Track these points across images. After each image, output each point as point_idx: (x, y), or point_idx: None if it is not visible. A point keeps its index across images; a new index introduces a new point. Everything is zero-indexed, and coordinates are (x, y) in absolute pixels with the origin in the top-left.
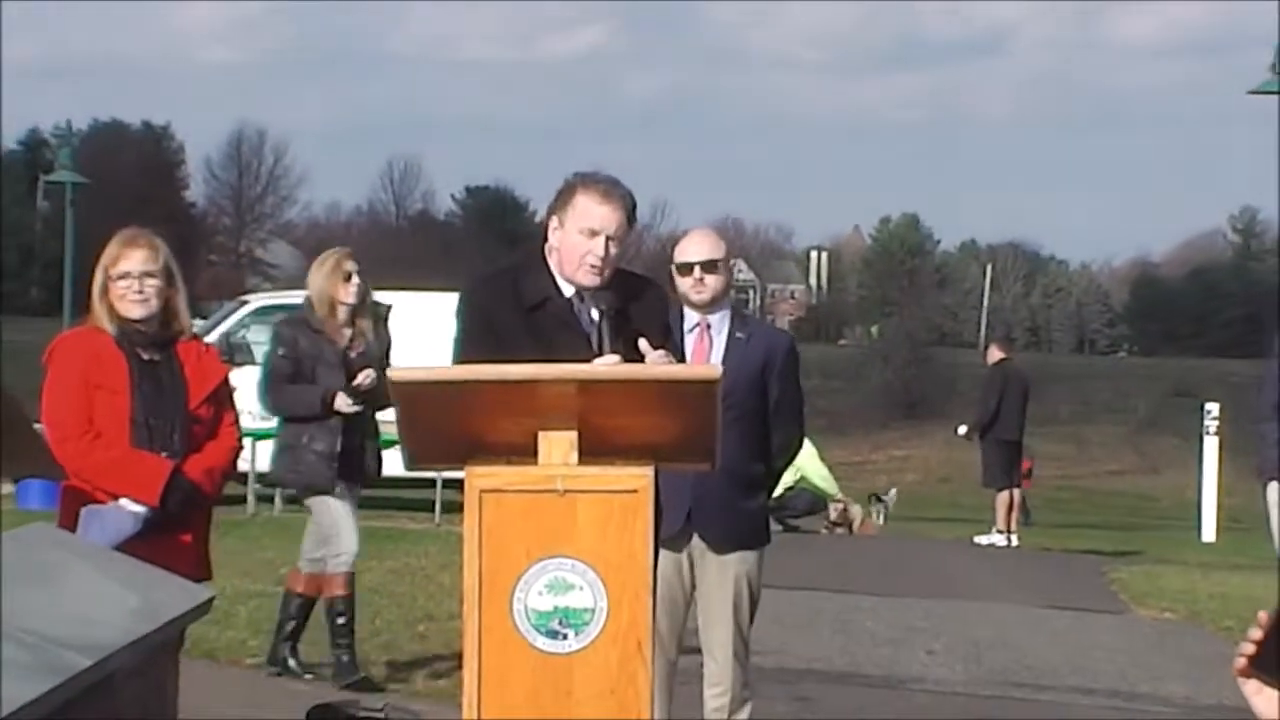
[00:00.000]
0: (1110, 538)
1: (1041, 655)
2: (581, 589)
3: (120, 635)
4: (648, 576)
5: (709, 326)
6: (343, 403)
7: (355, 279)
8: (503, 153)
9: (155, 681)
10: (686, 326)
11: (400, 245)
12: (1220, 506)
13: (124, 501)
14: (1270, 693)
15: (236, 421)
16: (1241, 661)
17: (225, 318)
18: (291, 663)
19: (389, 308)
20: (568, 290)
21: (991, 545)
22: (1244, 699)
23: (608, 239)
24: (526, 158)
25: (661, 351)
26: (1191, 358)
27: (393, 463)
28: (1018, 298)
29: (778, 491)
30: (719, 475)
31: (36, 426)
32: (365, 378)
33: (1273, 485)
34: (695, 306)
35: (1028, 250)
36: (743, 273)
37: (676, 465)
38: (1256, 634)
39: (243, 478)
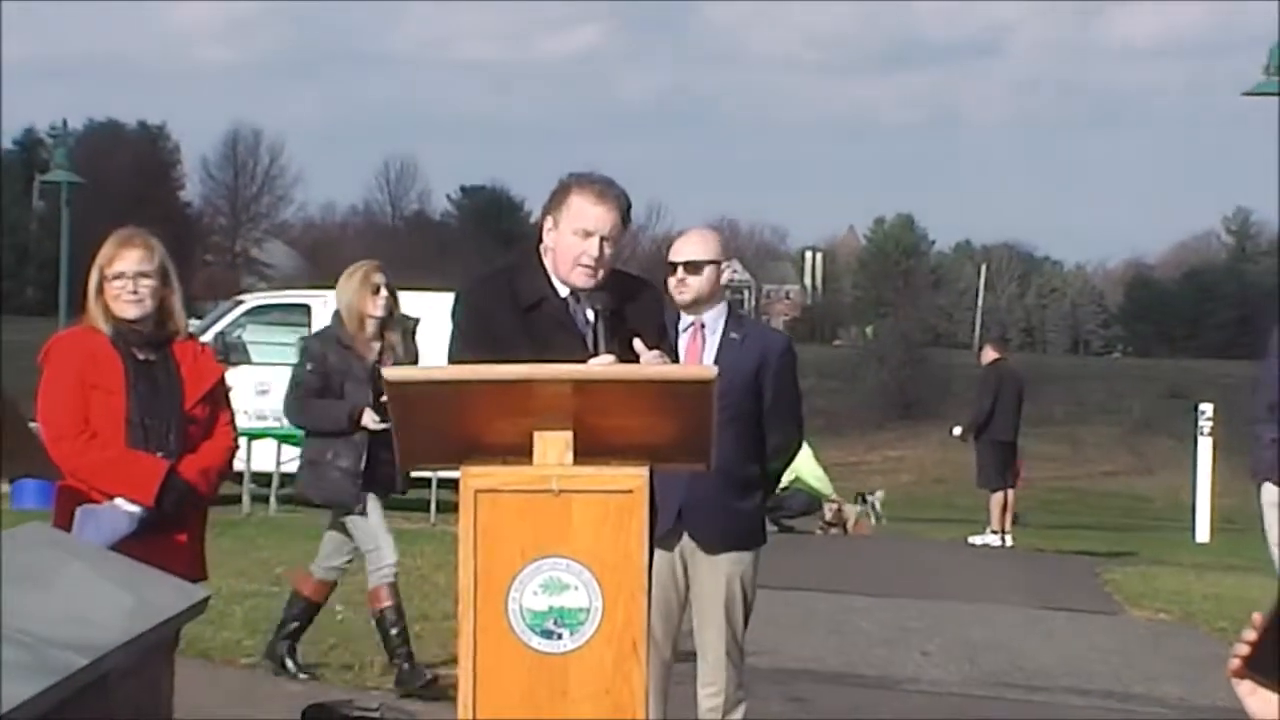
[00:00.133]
0: (1104, 538)
1: (1036, 656)
2: (576, 589)
3: (115, 635)
4: (643, 577)
5: (703, 326)
6: (370, 419)
7: (384, 291)
8: (498, 153)
9: (150, 681)
10: (681, 326)
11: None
12: (1214, 508)
13: (119, 501)
14: (1265, 693)
15: (232, 421)
16: (1236, 662)
17: (220, 317)
18: (289, 662)
19: (417, 321)
20: (563, 291)
21: (986, 546)
22: (1238, 700)
23: (602, 239)
24: (522, 158)
25: (656, 352)
26: (1186, 359)
27: None
28: (1012, 298)
29: None
30: (712, 475)
31: (32, 426)
32: None
33: (1267, 486)
34: (678, 306)
35: (1022, 251)
36: (738, 273)
37: (672, 465)
38: (1251, 635)
39: (238, 477)
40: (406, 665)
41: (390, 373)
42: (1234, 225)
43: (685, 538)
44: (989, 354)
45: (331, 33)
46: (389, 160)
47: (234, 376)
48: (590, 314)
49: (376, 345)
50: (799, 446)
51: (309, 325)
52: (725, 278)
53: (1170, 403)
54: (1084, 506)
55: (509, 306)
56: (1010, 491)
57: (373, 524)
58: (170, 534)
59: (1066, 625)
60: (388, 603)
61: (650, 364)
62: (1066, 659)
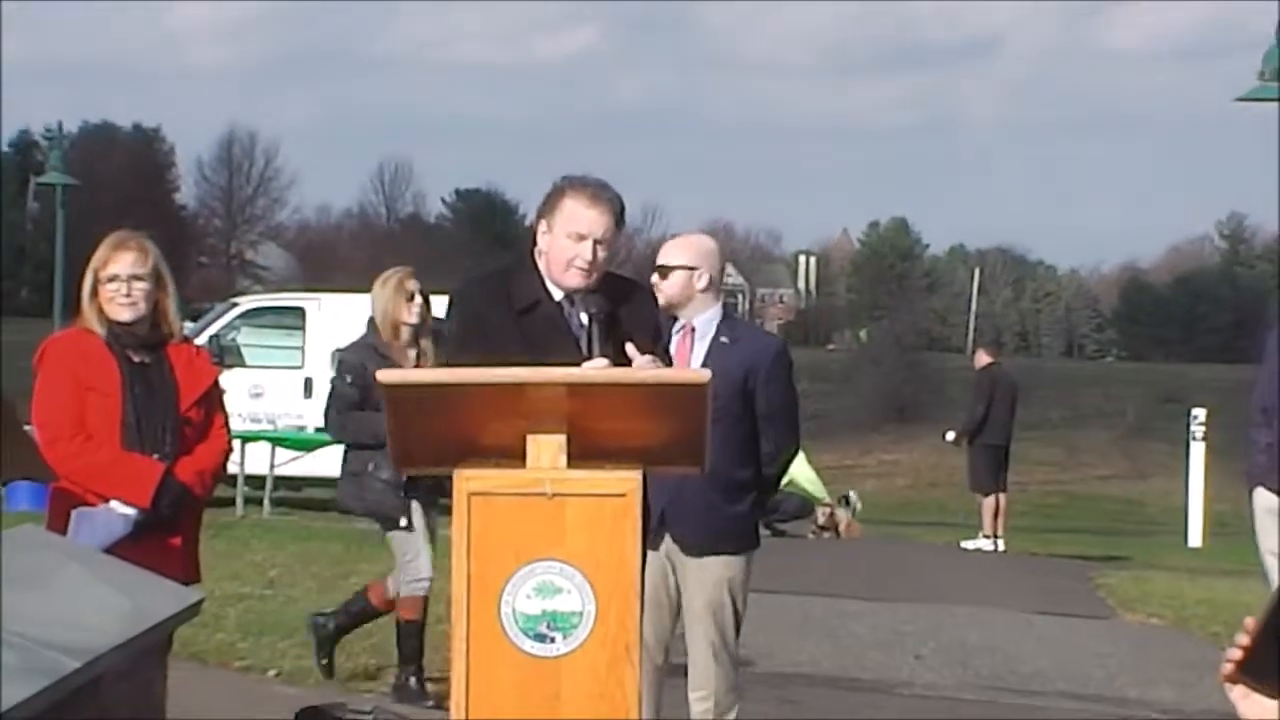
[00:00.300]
0: (1098, 543)
1: (1029, 660)
2: (569, 592)
3: (109, 638)
4: (636, 580)
5: (693, 330)
6: None
7: (418, 298)
8: (493, 155)
9: (144, 684)
10: (674, 329)
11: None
12: (1208, 512)
13: (115, 504)
14: (1257, 698)
15: (227, 424)
16: (1229, 667)
17: (215, 320)
18: (418, 685)
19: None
20: (558, 294)
21: (979, 550)
22: (1231, 704)
23: (596, 242)
24: (517, 160)
25: (648, 356)
26: (1180, 363)
27: None
28: (1006, 302)
29: None
30: (698, 478)
31: (26, 428)
32: None
33: (1259, 491)
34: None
35: (1016, 255)
36: (731, 277)
37: (666, 469)
38: (1243, 639)
39: (232, 480)
40: (413, 681)
41: (384, 375)
42: (1228, 229)
43: (670, 540)
44: (983, 358)
45: (326, 35)
46: (384, 163)
47: (228, 379)
48: (584, 317)
49: (412, 353)
50: (795, 452)
51: (303, 328)
52: (702, 283)
53: (1164, 407)
54: (1077, 510)
55: (503, 309)
56: (1003, 496)
57: (416, 533)
58: (165, 536)
59: (1060, 629)
60: (413, 616)
61: (643, 367)
62: (1060, 663)
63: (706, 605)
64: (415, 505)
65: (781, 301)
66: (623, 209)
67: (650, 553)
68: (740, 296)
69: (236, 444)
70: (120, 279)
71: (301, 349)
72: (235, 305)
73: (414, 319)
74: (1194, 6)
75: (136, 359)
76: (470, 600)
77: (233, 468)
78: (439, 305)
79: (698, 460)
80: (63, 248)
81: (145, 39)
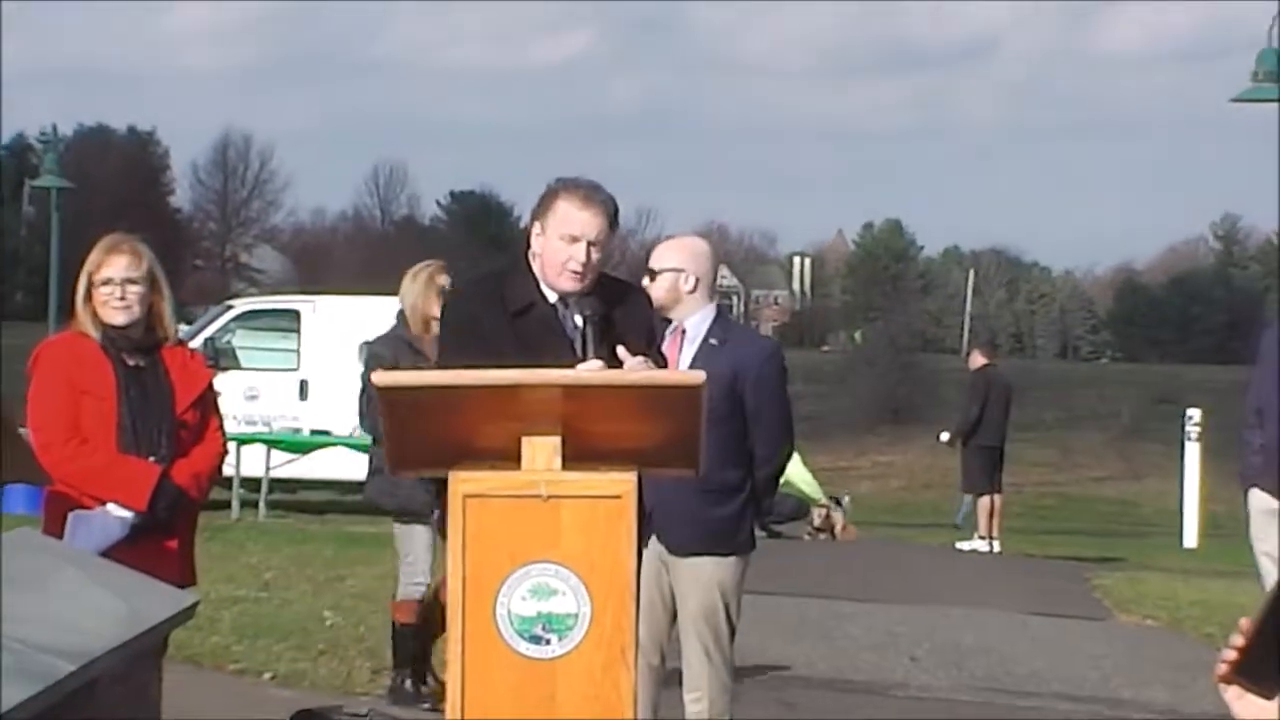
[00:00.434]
0: (1093, 544)
1: (1024, 661)
2: (565, 594)
3: (104, 641)
4: (631, 582)
5: (684, 332)
6: None
7: None
8: (488, 158)
9: (139, 687)
10: (667, 332)
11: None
12: (1202, 513)
13: (111, 507)
14: (1251, 699)
15: (221, 426)
16: (1223, 668)
17: (210, 323)
18: (416, 686)
19: None
20: (552, 296)
21: (974, 551)
22: (1226, 705)
23: (589, 244)
24: (512, 163)
25: (641, 358)
26: (1174, 364)
27: None
28: (1001, 304)
29: None
30: (683, 480)
31: (21, 431)
32: None
33: (1254, 492)
34: None
35: (1011, 256)
36: (726, 279)
37: (660, 471)
38: (1238, 640)
39: (227, 483)
40: (408, 684)
41: (379, 377)
42: (1222, 231)
43: (657, 541)
44: (977, 359)
45: (321, 38)
46: (379, 165)
47: (223, 382)
48: (579, 319)
49: None
50: (789, 454)
51: (298, 330)
52: (689, 285)
53: (1159, 408)
54: (1072, 512)
55: (498, 311)
56: (997, 497)
57: (420, 538)
58: (161, 539)
59: (1054, 630)
60: (408, 619)
61: (635, 369)
62: (1054, 664)
63: (699, 607)
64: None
65: (776, 303)
66: (616, 211)
67: (645, 554)
68: (735, 298)
69: (232, 447)
70: (114, 282)
71: (297, 351)
72: (230, 308)
73: None
74: (1189, 8)
75: (131, 362)
76: (466, 602)
77: (228, 470)
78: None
79: (692, 462)
80: (58, 251)
81: (140, 42)
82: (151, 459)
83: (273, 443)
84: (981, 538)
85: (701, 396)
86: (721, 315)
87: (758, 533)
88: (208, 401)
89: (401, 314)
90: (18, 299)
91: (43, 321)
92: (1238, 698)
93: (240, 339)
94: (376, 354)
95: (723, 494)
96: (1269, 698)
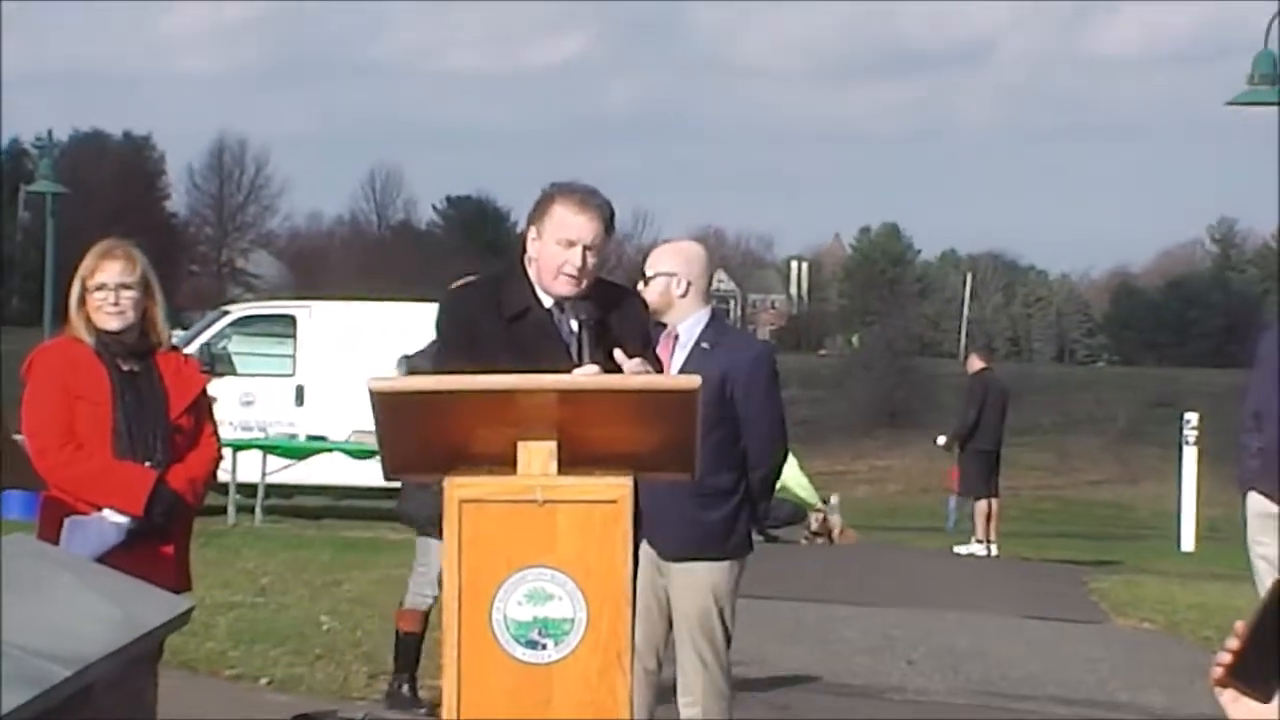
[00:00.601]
0: (1090, 548)
1: (1021, 665)
2: (561, 599)
3: (99, 646)
4: (627, 587)
5: (676, 336)
6: None
7: None
8: (484, 162)
9: (134, 692)
10: (661, 335)
11: (382, 255)
12: (1199, 517)
13: (107, 512)
14: (1247, 702)
15: (216, 431)
16: (1218, 671)
17: (206, 328)
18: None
19: None
20: (548, 300)
21: (971, 555)
22: (1222, 709)
23: (585, 249)
24: (508, 167)
25: (638, 361)
26: (1171, 368)
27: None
28: (998, 307)
29: None
30: (672, 484)
31: (16, 437)
32: None
33: (1251, 495)
34: None
35: (1007, 260)
36: (723, 282)
37: (656, 475)
38: (1233, 644)
39: (223, 488)
40: (406, 689)
41: (375, 383)
42: (1219, 234)
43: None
44: (974, 363)
45: (317, 42)
46: (375, 170)
47: (219, 387)
48: (574, 324)
49: None
50: (782, 457)
51: (294, 336)
52: (681, 289)
53: (1155, 412)
54: (1069, 516)
55: (493, 316)
56: (994, 501)
57: (437, 552)
58: (156, 545)
59: (1051, 634)
60: (412, 628)
61: (633, 373)
62: (1051, 668)
63: (693, 611)
64: None
65: (773, 307)
66: (612, 215)
67: (640, 558)
68: (732, 302)
69: (227, 452)
70: (108, 287)
71: (293, 357)
72: (226, 313)
73: None
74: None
75: (125, 367)
76: (462, 607)
77: (224, 476)
78: (430, 313)
79: (688, 467)
80: (53, 256)
81: (135, 47)
82: (147, 464)
83: (269, 448)
84: (979, 541)
85: (697, 401)
86: (715, 319)
87: (755, 537)
88: (202, 406)
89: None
90: (13, 304)
91: (38, 327)
92: (1233, 700)
93: (236, 344)
94: (417, 368)
95: (715, 498)
96: (1265, 701)
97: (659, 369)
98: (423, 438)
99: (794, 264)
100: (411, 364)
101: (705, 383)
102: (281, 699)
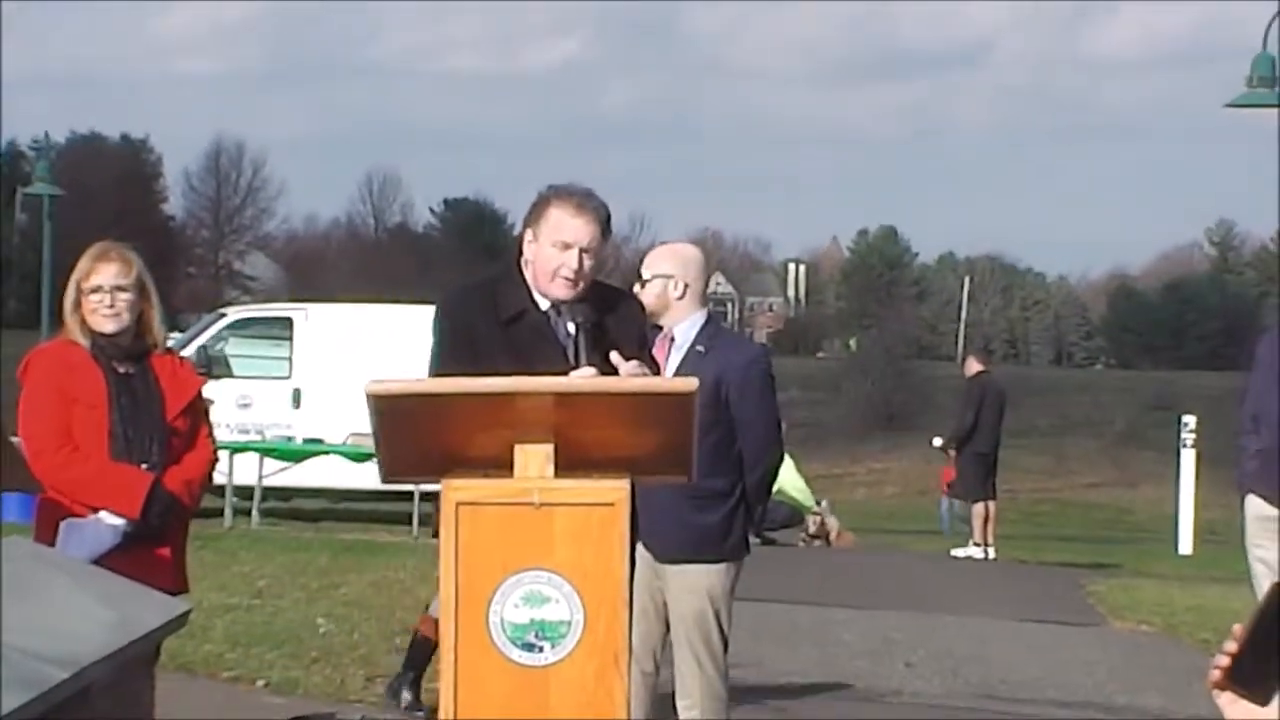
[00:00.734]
0: (1087, 550)
1: (1019, 668)
2: (558, 602)
3: (96, 648)
4: (624, 589)
5: (672, 339)
6: None
7: None
8: (481, 165)
9: (131, 694)
10: (657, 338)
11: (379, 258)
12: (1197, 520)
13: (104, 514)
14: (1245, 705)
15: (211, 433)
16: (1216, 674)
17: (203, 330)
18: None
19: None
20: (544, 303)
21: (969, 558)
22: (1219, 711)
23: (581, 252)
24: (505, 170)
25: (634, 363)
26: (1169, 370)
27: (370, 476)
28: (995, 310)
29: None
30: (667, 486)
31: (13, 440)
32: None
33: (1250, 498)
34: None
35: (1005, 263)
36: (721, 285)
37: (652, 478)
38: (1231, 647)
39: (220, 491)
40: (409, 691)
41: (372, 385)
42: (1217, 236)
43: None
44: (972, 366)
45: (314, 45)
46: (372, 172)
47: (216, 390)
48: (571, 326)
49: None
50: (777, 460)
51: (291, 338)
52: (679, 292)
53: (1153, 414)
54: (1067, 518)
55: (490, 319)
56: (992, 504)
57: None
58: (153, 547)
59: (1049, 637)
60: (431, 635)
61: (630, 376)
62: (1049, 670)
63: (689, 613)
64: None
65: (771, 310)
66: (609, 217)
67: (637, 561)
68: (730, 305)
69: (224, 455)
70: (103, 290)
71: (289, 359)
72: (223, 316)
73: None
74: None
75: (121, 370)
76: (459, 609)
77: (221, 478)
78: (427, 316)
79: (684, 469)
80: (50, 259)
81: (132, 49)
82: (143, 466)
83: (266, 451)
84: (976, 544)
85: (694, 404)
86: (711, 322)
87: (752, 539)
88: (198, 408)
89: None
90: (10, 307)
91: (35, 329)
92: (1231, 703)
93: (233, 347)
94: None
95: (711, 500)
96: (1263, 703)
97: (655, 371)
98: (420, 440)
99: (791, 267)
100: None
101: (701, 385)
102: (278, 701)
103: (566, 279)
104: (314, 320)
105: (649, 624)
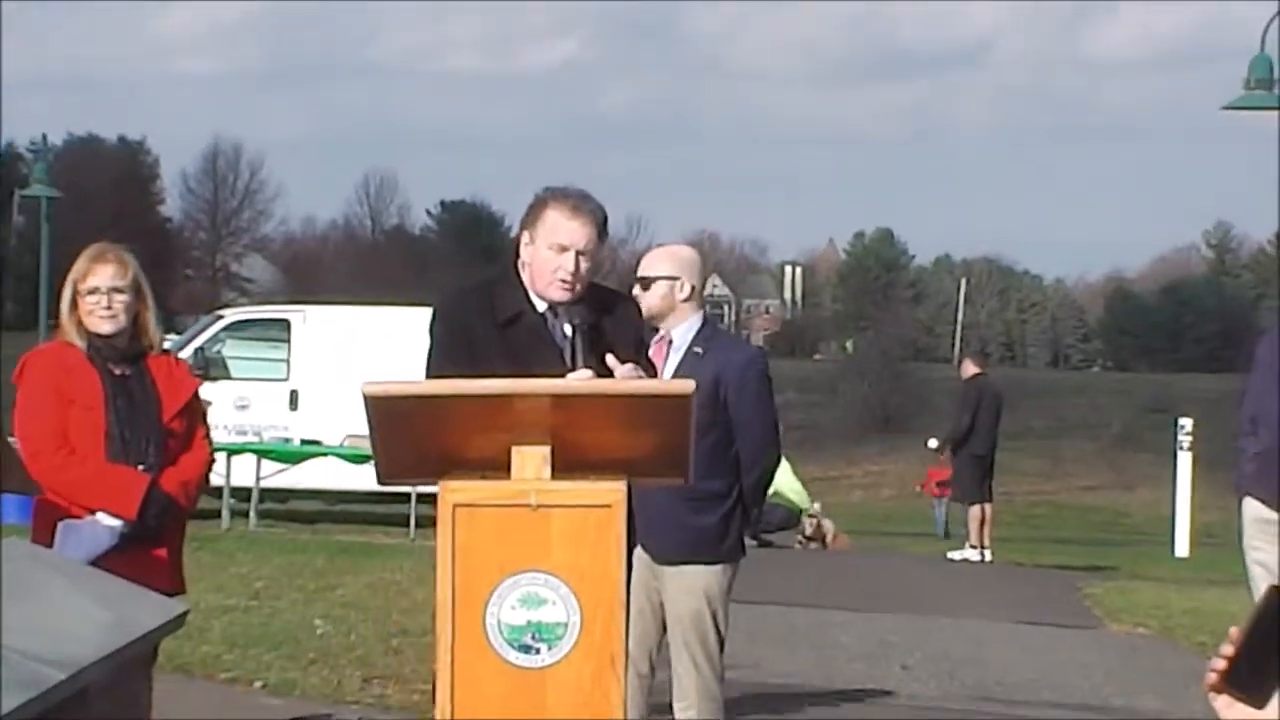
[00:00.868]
0: (1084, 553)
1: (1015, 670)
2: (554, 603)
3: (93, 650)
4: (621, 591)
5: (670, 340)
6: None
7: None
8: (479, 167)
9: (128, 696)
10: (654, 340)
11: (376, 259)
12: (1194, 522)
13: (101, 516)
14: (1241, 708)
15: (208, 435)
16: (1213, 677)
17: (200, 332)
18: None
19: None
20: (541, 305)
21: (965, 560)
22: (1216, 714)
23: (578, 254)
24: (503, 172)
25: (630, 366)
26: (1166, 373)
27: (367, 478)
28: (992, 312)
29: None
30: (664, 488)
31: (10, 441)
32: None
33: (1248, 500)
34: None
35: (1002, 265)
36: (717, 288)
37: (649, 480)
38: (1228, 649)
39: (217, 492)
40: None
41: (369, 387)
42: (1214, 239)
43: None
44: (969, 368)
45: (312, 47)
46: (369, 174)
47: (214, 392)
48: (568, 328)
49: None
50: (773, 461)
51: (288, 340)
52: (684, 294)
53: (1150, 417)
54: (1063, 521)
55: (487, 321)
56: (988, 506)
57: None
58: (150, 548)
59: (1046, 639)
60: None
61: (626, 378)
62: (1046, 673)
63: (685, 614)
64: None
65: (767, 312)
66: (605, 220)
67: (634, 562)
68: (726, 307)
69: (222, 456)
70: (100, 291)
71: (287, 361)
72: (220, 318)
73: None
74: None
75: (117, 371)
76: (455, 611)
77: (218, 480)
78: (425, 318)
79: (682, 471)
80: (47, 261)
81: (130, 50)
82: (140, 468)
83: (263, 452)
84: (973, 547)
85: (691, 406)
86: (708, 324)
87: (748, 542)
88: (194, 410)
89: None
90: (7, 308)
91: (33, 331)
92: (1227, 706)
93: (230, 349)
94: None
95: (708, 502)
96: (1259, 706)
97: (653, 373)
98: (417, 442)
99: (788, 269)
100: None
101: (698, 387)
102: (275, 703)
103: (563, 281)
104: (311, 322)
105: (646, 625)
